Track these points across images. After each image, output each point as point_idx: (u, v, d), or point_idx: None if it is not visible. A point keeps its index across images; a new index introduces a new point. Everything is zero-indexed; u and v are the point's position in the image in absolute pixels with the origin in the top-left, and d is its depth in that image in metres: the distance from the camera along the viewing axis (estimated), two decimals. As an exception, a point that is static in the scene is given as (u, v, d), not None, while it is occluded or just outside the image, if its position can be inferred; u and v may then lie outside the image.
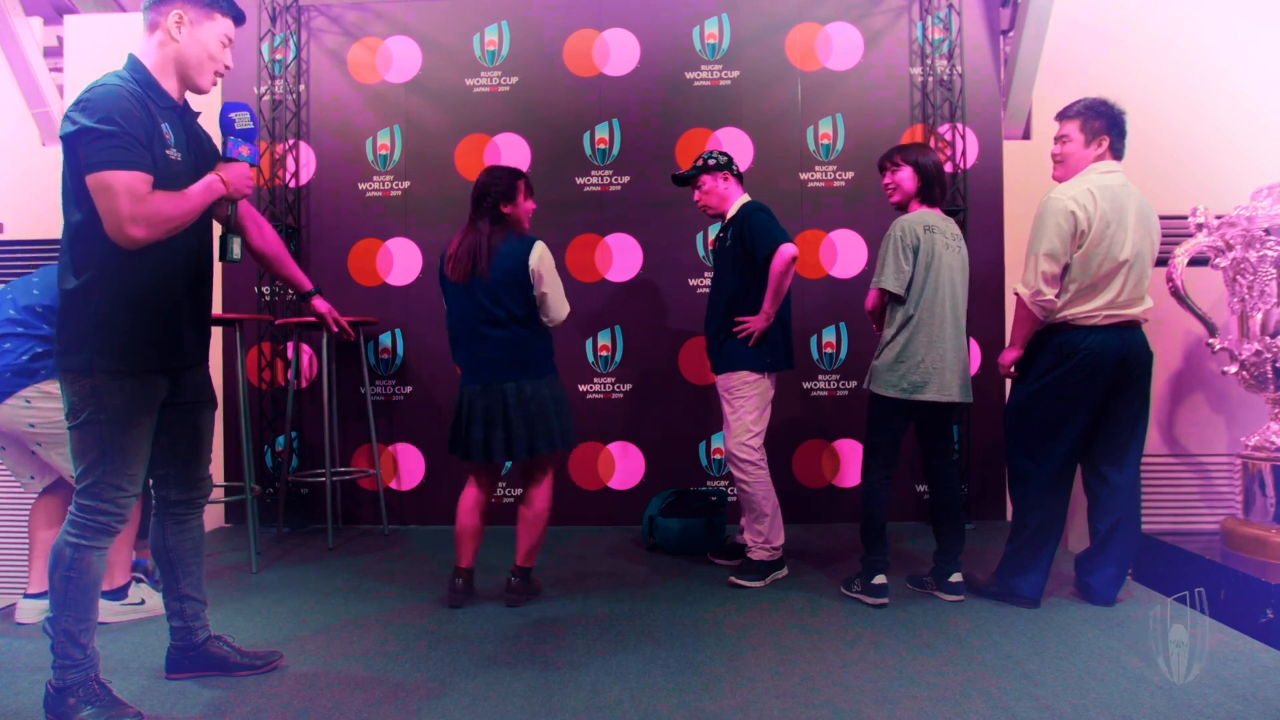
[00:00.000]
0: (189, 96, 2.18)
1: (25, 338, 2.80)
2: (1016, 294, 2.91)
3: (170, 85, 2.09)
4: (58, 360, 2.03)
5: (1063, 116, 3.00)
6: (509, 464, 3.76)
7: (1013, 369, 3.01)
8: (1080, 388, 2.83)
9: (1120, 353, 2.82)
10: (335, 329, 2.52)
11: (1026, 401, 2.94)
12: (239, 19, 2.17)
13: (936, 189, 3.06)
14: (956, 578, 3.03)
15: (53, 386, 2.79)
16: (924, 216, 3.00)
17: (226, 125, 2.18)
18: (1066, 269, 2.82)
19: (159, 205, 1.94)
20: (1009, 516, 4.42)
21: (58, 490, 2.98)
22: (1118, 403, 2.88)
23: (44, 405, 2.79)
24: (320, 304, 2.50)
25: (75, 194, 1.97)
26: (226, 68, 2.16)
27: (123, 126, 1.91)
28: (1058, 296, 2.83)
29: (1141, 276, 2.85)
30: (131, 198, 1.90)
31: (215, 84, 2.16)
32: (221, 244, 2.23)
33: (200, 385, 2.23)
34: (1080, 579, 3.03)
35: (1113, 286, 2.80)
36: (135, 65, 2.06)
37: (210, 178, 2.09)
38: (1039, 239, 2.83)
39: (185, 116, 2.15)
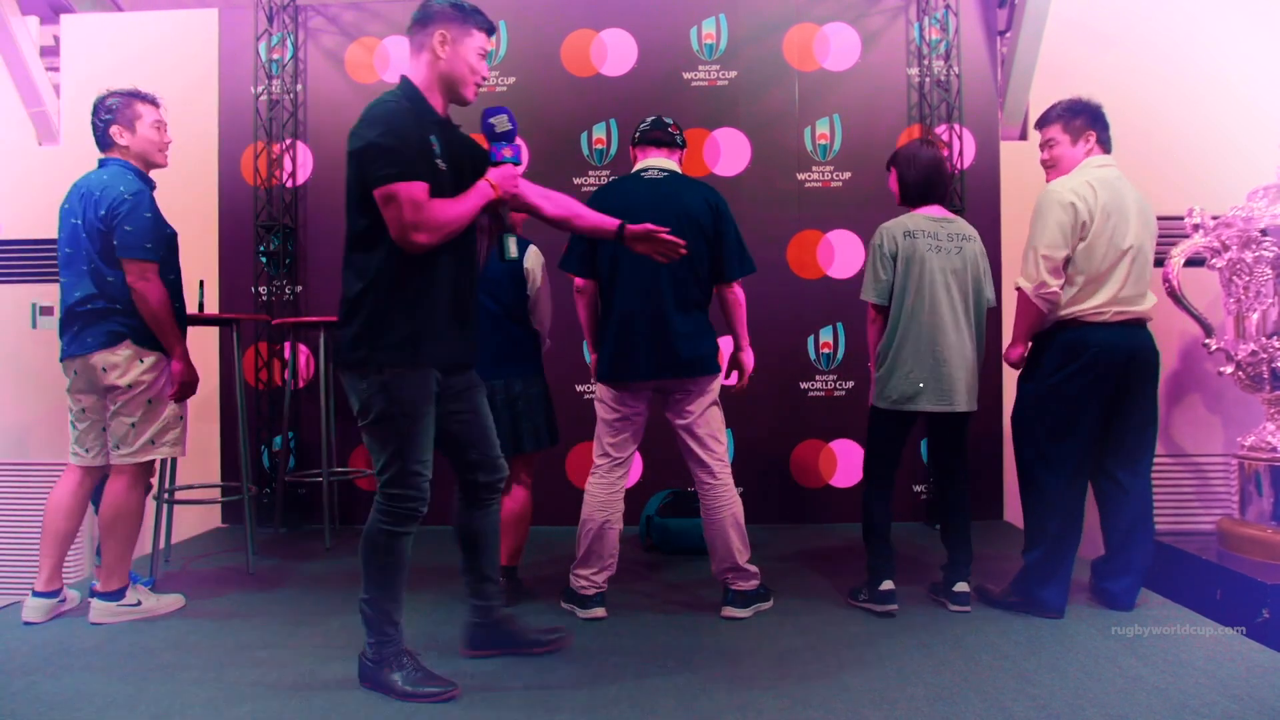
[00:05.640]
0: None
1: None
2: (1019, 289, 2.87)
3: (436, 100, 2.26)
4: (344, 357, 2.19)
5: (1043, 124, 3.01)
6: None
7: (1016, 364, 3.01)
8: (1090, 387, 2.78)
9: (1128, 351, 2.79)
10: (665, 237, 2.39)
11: (1035, 402, 2.89)
12: (491, 32, 2.32)
13: (914, 191, 2.95)
14: (961, 587, 2.91)
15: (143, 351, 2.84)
16: (906, 221, 2.92)
17: (488, 131, 2.30)
18: (1069, 262, 2.79)
19: (437, 212, 2.10)
20: (1005, 517, 4.45)
21: (87, 479, 2.96)
22: (1127, 404, 2.84)
23: (137, 367, 2.83)
24: (634, 228, 2.39)
25: (360, 203, 2.14)
26: (484, 78, 2.31)
27: (402, 140, 2.08)
28: (1062, 288, 2.80)
29: (1144, 269, 2.82)
30: (413, 206, 2.06)
31: (476, 95, 2.31)
32: (498, 244, 2.33)
33: (469, 373, 2.38)
34: (1097, 585, 2.97)
35: (1116, 278, 2.77)
36: (406, 84, 2.24)
37: (481, 184, 2.22)
38: (1040, 232, 2.80)
39: (448, 129, 2.29)
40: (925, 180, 2.95)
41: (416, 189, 2.07)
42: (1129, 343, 2.79)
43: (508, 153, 2.29)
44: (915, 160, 2.96)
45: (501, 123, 2.30)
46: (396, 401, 2.14)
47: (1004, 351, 3.05)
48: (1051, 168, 2.98)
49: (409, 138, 2.10)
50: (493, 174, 2.25)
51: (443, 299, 2.21)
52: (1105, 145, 2.92)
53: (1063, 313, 2.82)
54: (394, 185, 2.05)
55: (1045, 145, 3.00)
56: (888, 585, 2.88)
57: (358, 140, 2.11)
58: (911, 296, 2.86)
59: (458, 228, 2.16)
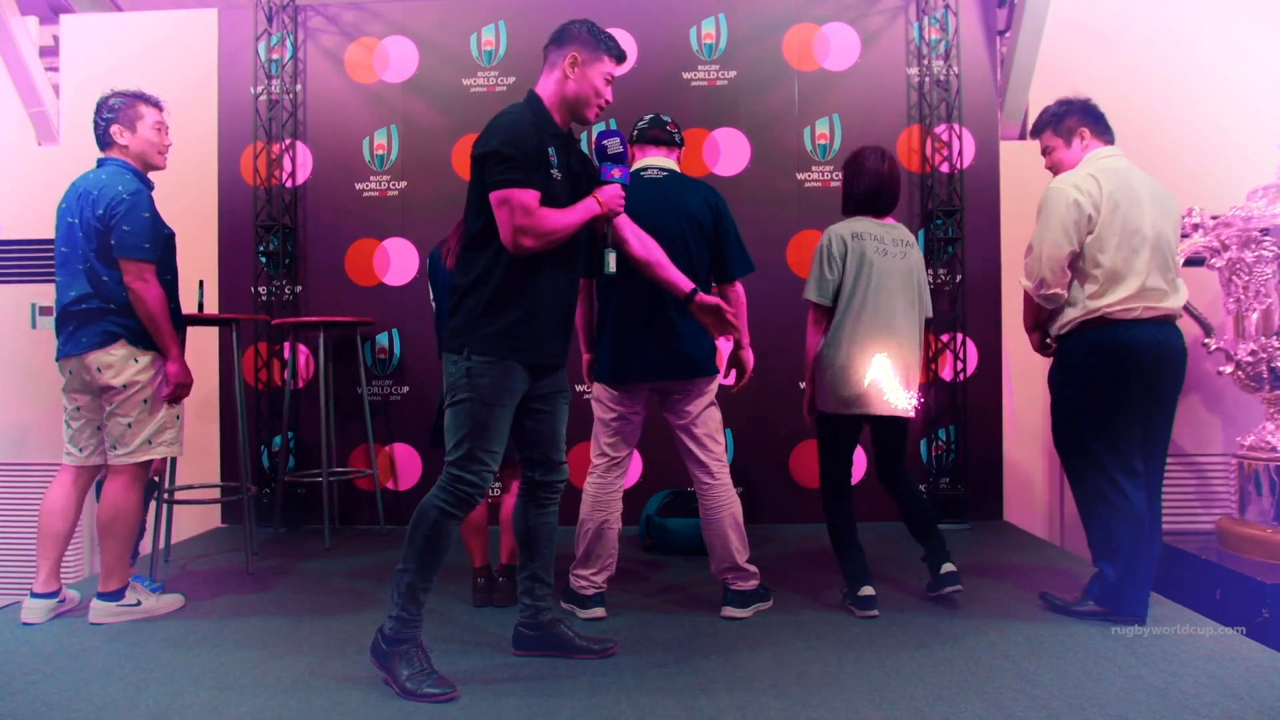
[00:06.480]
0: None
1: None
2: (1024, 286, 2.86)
3: (560, 116, 2.39)
4: (444, 343, 2.34)
5: (1035, 132, 3.02)
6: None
7: (1042, 350, 2.99)
8: (1126, 387, 2.72)
9: (1158, 350, 2.72)
10: (730, 318, 2.52)
11: (1075, 406, 2.81)
12: (622, 59, 2.43)
13: (854, 201, 2.98)
14: (948, 568, 2.92)
15: (138, 352, 2.83)
16: (853, 224, 2.94)
17: (600, 152, 2.43)
18: (1078, 258, 2.75)
19: (544, 219, 2.23)
20: (1005, 517, 4.45)
21: (81, 479, 2.96)
22: (1154, 403, 2.78)
23: (132, 367, 2.82)
24: (706, 298, 2.52)
25: (477, 205, 2.29)
26: (608, 101, 2.42)
27: (520, 150, 2.21)
28: (1068, 286, 2.76)
29: (1167, 258, 2.77)
30: (523, 211, 2.20)
31: (597, 116, 2.44)
32: (599, 258, 2.46)
33: (558, 378, 2.48)
34: None
35: (1139, 269, 2.70)
36: (533, 98, 2.39)
37: (588, 200, 2.36)
38: (1042, 231, 2.76)
39: (568, 143, 2.43)
40: (869, 192, 2.96)
41: (528, 196, 2.21)
42: (1158, 341, 2.73)
43: (616, 174, 2.40)
44: (860, 172, 2.97)
45: (614, 145, 2.42)
46: (477, 388, 2.25)
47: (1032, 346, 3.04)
48: (1055, 172, 2.95)
49: (528, 148, 2.23)
50: (601, 192, 2.37)
51: (542, 302, 2.33)
52: (1104, 137, 2.89)
53: (1088, 310, 2.74)
54: (508, 190, 2.19)
55: (1044, 153, 3.00)
56: (867, 591, 2.86)
57: (481, 147, 2.25)
58: (860, 299, 2.87)
59: (561, 237, 2.28)
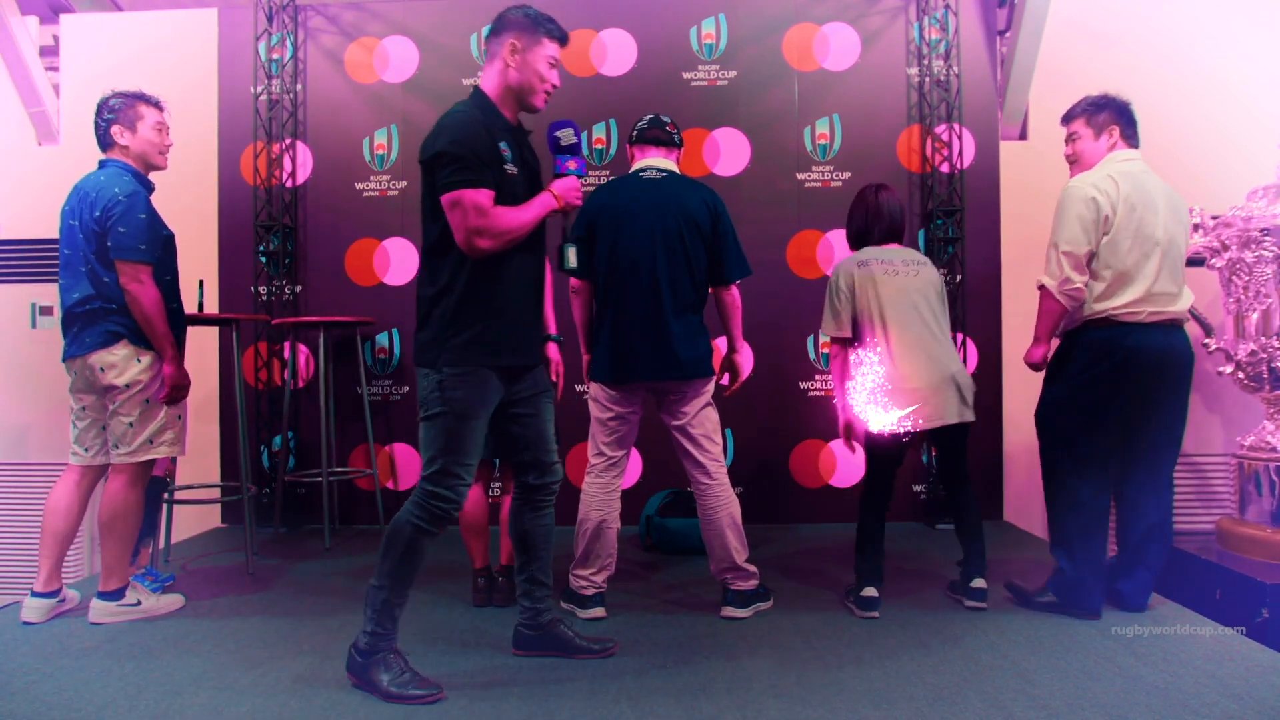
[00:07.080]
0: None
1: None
2: (1041, 287, 2.83)
3: (507, 108, 2.32)
4: (416, 357, 2.29)
5: (1067, 119, 3.00)
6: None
7: (1040, 365, 2.96)
8: (1119, 387, 2.73)
9: (1160, 354, 2.73)
10: (554, 378, 2.66)
11: (1062, 402, 2.84)
12: (564, 41, 2.33)
13: (855, 233, 3.07)
14: (978, 583, 2.92)
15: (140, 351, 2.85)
16: (859, 254, 2.99)
17: (553, 144, 2.37)
18: (1094, 257, 2.75)
19: (499, 219, 2.17)
20: (1005, 517, 4.45)
21: (86, 479, 2.97)
22: (1155, 405, 2.79)
23: (134, 367, 2.84)
24: (553, 351, 2.64)
25: (433, 211, 2.23)
26: (555, 86, 2.33)
27: (470, 149, 2.15)
28: (1087, 285, 2.75)
29: (1177, 263, 2.77)
30: (477, 212, 2.14)
31: (546, 103, 2.34)
32: (559, 254, 2.38)
33: (538, 378, 2.43)
34: (1110, 585, 2.92)
35: (1147, 273, 2.71)
36: (478, 93, 2.32)
37: (544, 194, 2.30)
38: (1060, 228, 2.77)
39: (519, 136, 2.37)
40: (865, 226, 3.04)
41: (481, 195, 2.14)
42: (1162, 345, 2.73)
43: (572, 165, 2.35)
44: (857, 206, 3.08)
45: (567, 135, 2.36)
46: (449, 400, 2.21)
47: (1025, 354, 2.98)
48: (1074, 162, 2.96)
49: (477, 146, 2.17)
50: (556, 185, 2.32)
51: (510, 305, 2.28)
52: (1131, 140, 2.89)
53: (1093, 311, 2.76)
54: (459, 191, 2.13)
55: (1068, 140, 2.98)
56: (870, 592, 2.87)
57: (428, 150, 2.19)
58: (880, 319, 2.88)
59: (519, 235, 2.22)
